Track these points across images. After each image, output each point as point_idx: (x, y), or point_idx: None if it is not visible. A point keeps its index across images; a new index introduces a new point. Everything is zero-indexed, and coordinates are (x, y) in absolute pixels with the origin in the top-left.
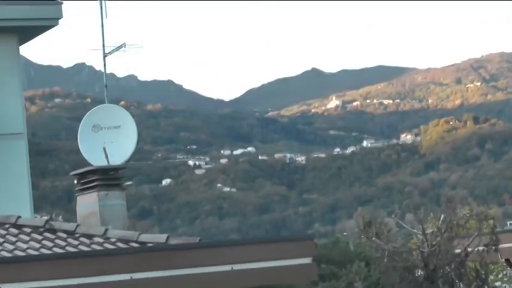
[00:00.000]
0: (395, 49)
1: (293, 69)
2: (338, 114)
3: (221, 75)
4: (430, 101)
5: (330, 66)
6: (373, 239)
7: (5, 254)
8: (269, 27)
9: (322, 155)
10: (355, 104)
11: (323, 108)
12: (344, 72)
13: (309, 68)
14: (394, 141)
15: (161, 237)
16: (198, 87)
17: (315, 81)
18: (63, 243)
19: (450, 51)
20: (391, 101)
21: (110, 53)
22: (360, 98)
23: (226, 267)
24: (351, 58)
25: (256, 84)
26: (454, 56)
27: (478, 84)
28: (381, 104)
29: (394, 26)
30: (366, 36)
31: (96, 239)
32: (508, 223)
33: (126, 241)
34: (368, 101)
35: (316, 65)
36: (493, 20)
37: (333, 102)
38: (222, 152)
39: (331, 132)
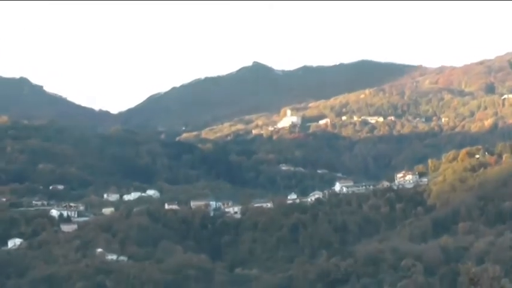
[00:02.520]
0: (387, 38)
1: (222, 65)
2: (294, 137)
3: (107, 79)
4: (443, 119)
5: (283, 61)
6: None
7: None
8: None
9: (268, 205)
10: (322, 122)
11: (270, 128)
12: (305, 70)
13: (249, 63)
14: (385, 184)
15: None
16: (67, 91)
17: (255, 83)
18: None
19: (476, 41)
20: (380, 119)
21: None
22: (331, 112)
23: None
24: (315, 50)
25: (159, 89)
26: (483, 49)
27: None
28: (364, 123)
29: (384, 10)
30: (345, 25)
31: None
32: None
33: None
34: (344, 117)
35: (260, 58)
36: None
37: (287, 119)
38: (105, 196)
39: (283, 167)
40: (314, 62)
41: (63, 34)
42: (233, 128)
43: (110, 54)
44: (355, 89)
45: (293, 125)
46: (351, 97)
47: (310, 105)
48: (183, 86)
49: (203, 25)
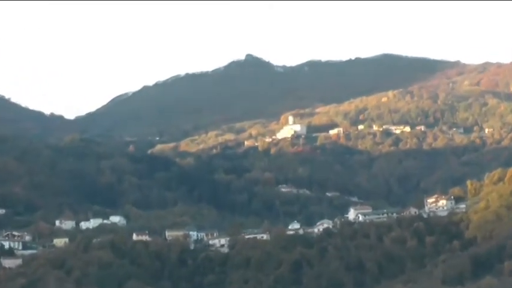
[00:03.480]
0: (416, 27)
1: (207, 59)
2: (298, 151)
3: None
4: (486, 130)
5: (284, 54)
6: None
7: None
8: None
9: (263, 236)
10: (333, 132)
11: (267, 139)
12: (312, 65)
13: (241, 57)
14: (413, 211)
15: None
16: (9, 90)
17: (249, 81)
18: None
19: None
20: (407, 129)
21: None
22: (345, 119)
23: None
24: (325, 42)
25: (127, 89)
26: None
27: None
28: (386, 133)
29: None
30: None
31: None
32: None
33: None
34: (361, 127)
35: (255, 51)
36: None
37: (288, 128)
38: (58, 223)
39: (283, 188)
40: (323, 56)
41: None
42: (220, 139)
43: (64, 47)
44: (376, 91)
45: (296, 136)
46: (370, 101)
47: (318, 110)
48: (157, 85)
49: (183, 11)
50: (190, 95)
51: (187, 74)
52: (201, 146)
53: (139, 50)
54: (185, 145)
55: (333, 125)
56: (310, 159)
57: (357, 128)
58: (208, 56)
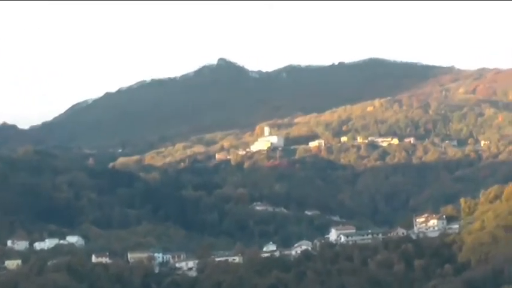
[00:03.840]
0: (405, 30)
1: (176, 64)
2: (274, 165)
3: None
4: (482, 142)
5: (260, 59)
6: None
7: None
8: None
9: (235, 259)
10: (314, 144)
11: (240, 152)
12: (291, 71)
13: (212, 61)
14: (401, 232)
15: None
16: None
17: (221, 88)
18: None
19: None
20: (395, 141)
21: None
22: (326, 130)
23: None
24: (305, 46)
25: (86, 96)
26: None
27: None
28: (372, 146)
29: None
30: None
31: None
32: None
33: None
34: (344, 138)
35: (228, 55)
36: None
37: (264, 140)
38: (10, 243)
39: (258, 206)
40: (303, 60)
41: None
42: (189, 151)
43: (18, 50)
44: (361, 99)
45: (272, 148)
46: (355, 110)
47: (297, 120)
48: (120, 92)
49: (150, 12)
50: (156, 102)
51: (153, 80)
52: (168, 159)
53: (101, 53)
54: (150, 158)
55: (314, 137)
56: (288, 174)
57: (340, 140)
58: (177, 60)
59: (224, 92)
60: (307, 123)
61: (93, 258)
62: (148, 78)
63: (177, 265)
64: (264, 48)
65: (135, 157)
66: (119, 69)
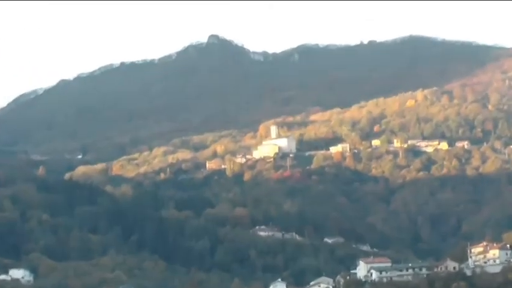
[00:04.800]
0: (451, 4)
1: (153, 44)
2: (283, 177)
3: None
4: None
5: (265, 38)
6: None
7: None
8: None
9: None
10: (335, 149)
11: (239, 159)
12: (304, 52)
13: (202, 38)
14: (451, 265)
15: None
16: None
17: (214, 73)
18: None
19: None
20: (443, 145)
21: None
22: (352, 131)
23: None
24: (323, 23)
25: (34, 85)
26: None
27: None
28: (413, 151)
29: None
30: None
31: None
32: None
33: None
34: (376, 142)
35: (222, 31)
36: None
37: (270, 144)
38: None
39: (262, 231)
40: (321, 39)
41: None
42: (171, 158)
43: None
44: (398, 90)
45: (281, 155)
46: (390, 104)
47: (314, 117)
48: (80, 79)
49: None
50: (127, 93)
51: (123, 64)
52: (143, 169)
53: (54, 29)
54: (119, 167)
55: (336, 140)
56: (301, 189)
57: (370, 144)
58: (154, 38)
59: (217, 79)
60: (327, 121)
61: None
62: (116, 62)
63: None
64: (270, 23)
65: (100, 165)
66: (77, 50)
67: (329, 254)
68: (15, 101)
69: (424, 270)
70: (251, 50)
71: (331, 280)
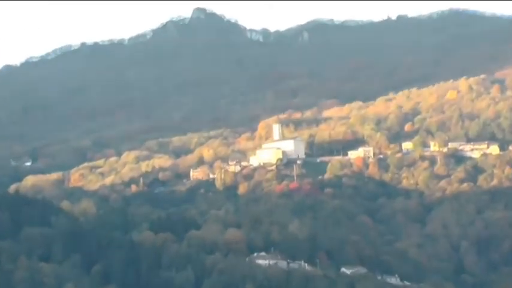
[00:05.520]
0: None
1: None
2: (290, 191)
3: None
4: None
5: (262, 13)
6: None
7: None
8: None
9: None
10: (356, 154)
11: (232, 166)
12: (317, 28)
13: (185, 13)
14: None
15: None
16: None
17: (196, 55)
18: None
19: None
20: (493, 148)
21: None
22: (377, 131)
23: None
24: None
25: None
26: None
27: None
28: (456, 157)
29: None
30: None
31: None
32: None
33: None
34: (408, 144)
35: (208, 3)
36: None
37: (273, 148)
38: None
39: (262, 259)
40: (335, 14)
41: None
42: (145, 166)
43: None
44: (435, 78)
45: (287, 161)
46: (426, 97)
47: (328, 113)
48: (27, 65)
49: None
50: (88, 83)
51: (84, 46)
52: (109, 179)
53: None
54: (79, 177)
55: (356, 142)
56: (312, 205)
57: (401, 148)
58: (124, 13)
59: (203, 65)
60: (345, 118)
61: None
62: (75, 42)
63: None
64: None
65: (54, 175)
66: (26, 28)
67: None
68: None
69: None
70: (247, 27)
71: None
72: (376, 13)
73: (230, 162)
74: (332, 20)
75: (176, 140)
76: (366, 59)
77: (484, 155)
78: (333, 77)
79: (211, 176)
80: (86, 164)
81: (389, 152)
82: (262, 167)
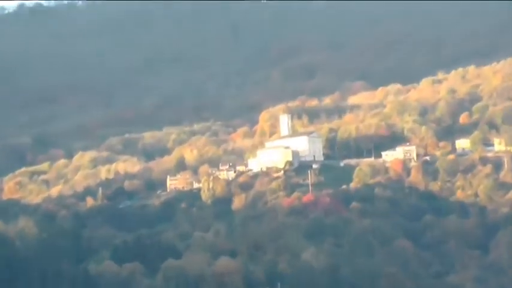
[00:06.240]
0: None
1: None
2: (304, 204)
3: None
4: None
5: None
6: None
7: None
8: None
9: None
10: (393, 155)
11: (224, 172)
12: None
13: None
14: None
15: None
16: None
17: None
18: None
19: None
20: None
21: None
22: (423, 125)
23: None
24: None
25: None
26: None
27: None
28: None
29: None
30: None
31: None
32: None
33: None
34: (464, 142)
35: None
36: None
37: (279, 148)
38: None
39: None
40: None
41: None
42: (105, 171)
43: None
44: (498, 54)
45: (298, 165)
46: (487, 77)
47: (353, 100)
48: None
49: None
50: (29, 59)
51: (22, 8)
52: (56, 189)
53: None
54: (13, 185)
55: (393, 139)
56: (333, 225)
57: (454, 147)
58: None
59: (185, 34)
60: (378, 107)
61: None
62: (11, 3)
63: None
64: None
65: None
66: None
67: None
68: None
69: None
70: None
71: None
72: None
73: (221, 167)
74: None
75: (148, 137)
76: (405, 28)
77: None
78: (360, 51)
79: (195, 185)
80: (24, 169)
81: (438, 153)
82: (265, 172)
